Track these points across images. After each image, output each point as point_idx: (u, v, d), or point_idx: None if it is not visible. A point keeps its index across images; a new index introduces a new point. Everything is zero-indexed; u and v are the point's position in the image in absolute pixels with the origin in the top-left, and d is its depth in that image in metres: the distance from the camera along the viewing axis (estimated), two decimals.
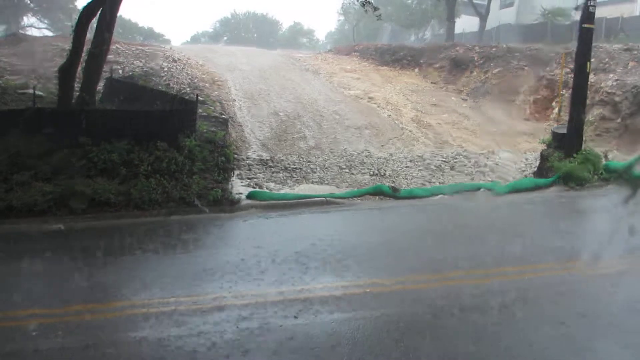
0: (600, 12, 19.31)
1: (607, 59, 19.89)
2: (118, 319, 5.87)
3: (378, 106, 20.52)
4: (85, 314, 5.91)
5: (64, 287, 6.77)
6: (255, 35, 70.32)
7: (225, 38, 69.33)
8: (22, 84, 15.62)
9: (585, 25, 13.29)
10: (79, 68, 12.83)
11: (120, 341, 5.36)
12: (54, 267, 7.52)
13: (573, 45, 16.95)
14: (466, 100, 23.06)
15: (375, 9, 16.38)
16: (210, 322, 5.59)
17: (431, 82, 25.69)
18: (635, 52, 20.15)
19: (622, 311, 5.83)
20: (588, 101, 15.24)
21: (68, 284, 6.84)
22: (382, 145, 16.52)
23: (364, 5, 16.55)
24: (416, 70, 27.33)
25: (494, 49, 25.61)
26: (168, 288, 6.58)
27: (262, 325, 5.51)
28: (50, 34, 41.04)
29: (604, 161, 13.30)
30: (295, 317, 5.69)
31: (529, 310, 5.93)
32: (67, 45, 13.50)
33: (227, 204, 10.99)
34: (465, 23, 41.65)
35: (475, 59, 25.45)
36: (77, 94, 12.64)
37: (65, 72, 12.40)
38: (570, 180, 12.53)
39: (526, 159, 15.65)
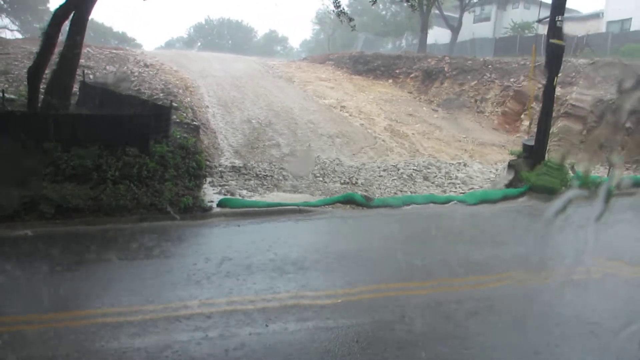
0: (568, 28, 19.87)
1: (573, 73, 20.48)
2: (85, 328, 5.76)
3: (351, 115, 20.68)
4: (51, 322, 5.79)
5: (29, 295, 6.62)
6: (230, 42, 70.14)
7: (198, 44, 68.98)
8: None
9: (552, 41, 13.66)
10: (49, 71, 12.64)
11: (87, 351, 5.25)
12: (19, 274, 7.34)
13: (537, 57, 17.46)
14: (437, 110, 23.41)
15: (350, 19, 16.55)
16: (179, 331, 5.54)
17: (404, 92, 26.01)
18: (599, 66, 20.82)
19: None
20: (554, 113, 15.68)
21: (33, 291, 6.68)
22: (354, 154, 16.64)
23: (339, 15, 16.71)
24: (389, 80, 27.64)
25: (469, 62, 26.09)
26: (136, 296, 6.50)
27: (232, 334, 5.49)
28: (20, 36, 40.27)
29: (571, 173, 13.70)
30: (266, 325, 5.69)
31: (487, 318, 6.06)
32: (35, 48, 13.31)
33: (198, 211, 10.93)
34: (438, 35, 42.39)
35: (446, 70, 25.88)
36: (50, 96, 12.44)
37: (34, 75, 12.20)
38: (538, 191, 12.85)
39: (496, 170, 15.95)
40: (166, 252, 8.90)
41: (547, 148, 14.19)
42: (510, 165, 14.29)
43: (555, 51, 13.71)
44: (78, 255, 8.42)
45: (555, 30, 13.58)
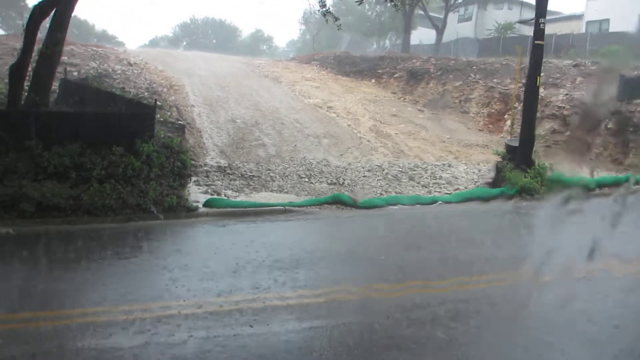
0: (550, 29, 20.12)
1: (557, 74, 20.70)
2: (67, 327, 5.65)
3: (337, 115, 20.67)
4: (32, 321, 5.68)
5: (10, 293, 6.49)
6: (214, 41, 69.80)
7: (184, 43, 68.53)
8: None
9: (537, 42, 13.80)
10: (30, 68, 12.41)
11: (69, 350, 5.17)
12: (0, 272, 7.22)
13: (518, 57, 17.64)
14: (423, 111, 23.50)
15: (336, 19, 16.50)
16: (163, 332, 5.45)
17: (389, 93, 26.07)
18: (583, 67, 21.08)
19: None
20: (538, 115, 15.83)
21: (15, 290, 6.56)
22: (341, 155, 16.62)
23: (325, 15, 16.65)
24: (374, 80, 27.70)
25: (452, 62, 26.23)
26: (118, 296, 6.39)
27: (216, 334, 5.42)
28: (2, 32, 39.59)
29: (549, 173, 13.86)
30: (251, 326, 5.63)
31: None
32: (19, 45, 13.08)
33: (183, 211, 10.83)
34: (423, 35, 42.56)
35: (432, 70, 26.00)
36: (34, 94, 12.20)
37: (15, 72, 11.97)
38: (521, 191, 12.96)
39: (479, 170, 16.04)
40: (153, 252, 8.82)
41: (534, 149, 14.30)
42: (497, 167, 14.39)
43: (538, 52, 13.86)
44: (63, 254, 8.28)
45: (539, 31, 13.72)
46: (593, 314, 6.08)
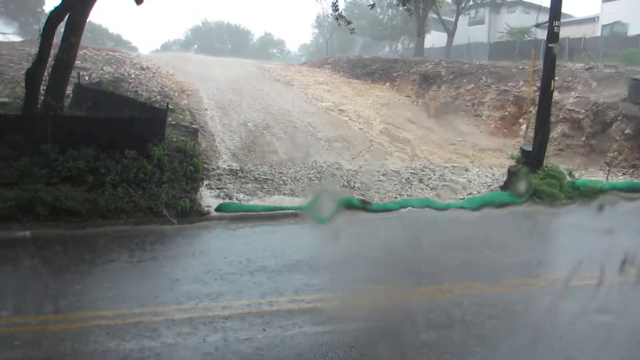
0: (564, 32, 19.95)
1: (570, 78, 20.52)
2: (81, 330, 5.71)
3: (349, 119, 20.65)
4: (47, 324, 5.74)
5: (25, 296, 6.56)
6: (229, 45, 70.09)
7: (195, 46, 68.86)
8: None
9: (551, 45, 13.70)
10: (46, 73, 12.57)
11: (84, 353, 5.21)
12: (16, 275, 7.30)
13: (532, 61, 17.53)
14: (434, 114, 23.39)
15: (349, 22, 16.49)
16: (176, 335, 5.48)
17: (402, 96, 25.99)
18: (596, 70, 20.90)
19: None
20: (552, 118, 15.69)
21: (30, 293, 6.63)
22: (353, 158, 16.59)
23: (337, 19, 16.65)
24: (387, 84, 27.63)
25: (466, 66, 26.11)
26: (132, 299, 6.45)
27: (228, 338, 5.44)
28: (19, 38, 40.05)
29: (569, 178, 13.74)
30: (264, 330, 5.64)
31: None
32: (34, 50, 13.24)
33: (195, 215, 10.87)
34: (435, 38, 42.40)
35: (443, 74, 25.88)
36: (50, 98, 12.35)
37: (31, 77, 12.12)
38: (537, 197, 12.85)
39: (493, 174, 15.91)
40: (166, 256, 8.93)
41: (546, 154, 14.19)
42: (510, 171, 14.26)
43: (552, 55, 13.77)
44: (78, 257, 8.37)
45: (553, 34, 13.63)
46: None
